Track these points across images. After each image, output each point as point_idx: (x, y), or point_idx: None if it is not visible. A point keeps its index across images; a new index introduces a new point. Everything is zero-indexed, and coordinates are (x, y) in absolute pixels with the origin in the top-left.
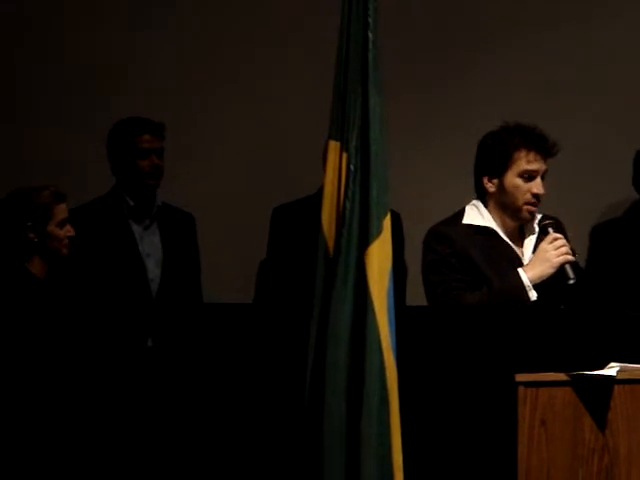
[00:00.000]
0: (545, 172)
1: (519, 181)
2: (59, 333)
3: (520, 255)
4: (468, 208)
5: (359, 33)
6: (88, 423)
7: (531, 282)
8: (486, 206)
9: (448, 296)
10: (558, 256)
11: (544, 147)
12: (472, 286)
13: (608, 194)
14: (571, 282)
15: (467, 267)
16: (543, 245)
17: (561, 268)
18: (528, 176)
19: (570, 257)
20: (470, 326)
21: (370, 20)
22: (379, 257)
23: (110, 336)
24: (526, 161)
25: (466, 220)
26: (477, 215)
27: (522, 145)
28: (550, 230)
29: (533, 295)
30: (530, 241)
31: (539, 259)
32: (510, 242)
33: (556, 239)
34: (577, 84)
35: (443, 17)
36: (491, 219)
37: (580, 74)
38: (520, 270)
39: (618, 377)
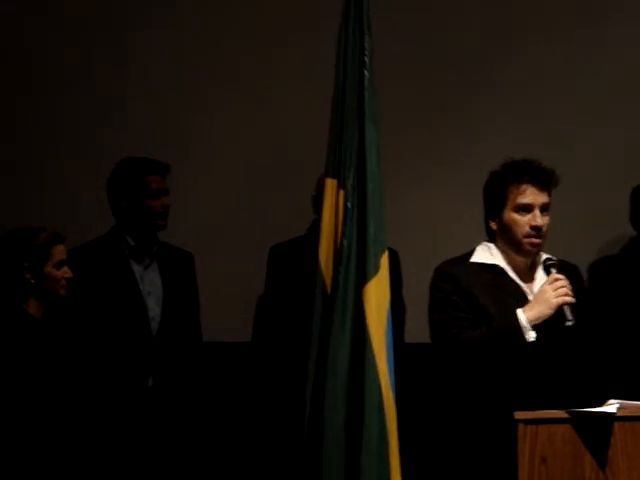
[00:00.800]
0: (546, 204)
1: (516, 215)
2: (57, 373)
3: (528, 292)
4: (479, 248)
5: (355, 71)
6: (89, 462)
7: (529, 322)
8: (496, 246)
9: (449, 334)
10: (557, 297)
11: (539, 179)
12: (475, 324)
13: (605, 230)
14: (569, 324)
15: (470, 305)
16: (543, 286)
17: (560, 309)
18: (524, 209)
19: (569, 298)
20: (469, 364)
21: (366, 58)
22: (377, 295)
23: (111, 375)
24: (519, 195)
25: (474, 259)
26: (487, 254)
27: (515, 180)
28: (553, 270)
29: (531, 336)
30: (540, 281)
31: (538, 299)
32: (518, 280)
33: (557, 279)
34: (575, 120)
35: (443, 51)
36: (500, 257)
37: (579, 110)
38: (519, 311)
39: (618, 414)
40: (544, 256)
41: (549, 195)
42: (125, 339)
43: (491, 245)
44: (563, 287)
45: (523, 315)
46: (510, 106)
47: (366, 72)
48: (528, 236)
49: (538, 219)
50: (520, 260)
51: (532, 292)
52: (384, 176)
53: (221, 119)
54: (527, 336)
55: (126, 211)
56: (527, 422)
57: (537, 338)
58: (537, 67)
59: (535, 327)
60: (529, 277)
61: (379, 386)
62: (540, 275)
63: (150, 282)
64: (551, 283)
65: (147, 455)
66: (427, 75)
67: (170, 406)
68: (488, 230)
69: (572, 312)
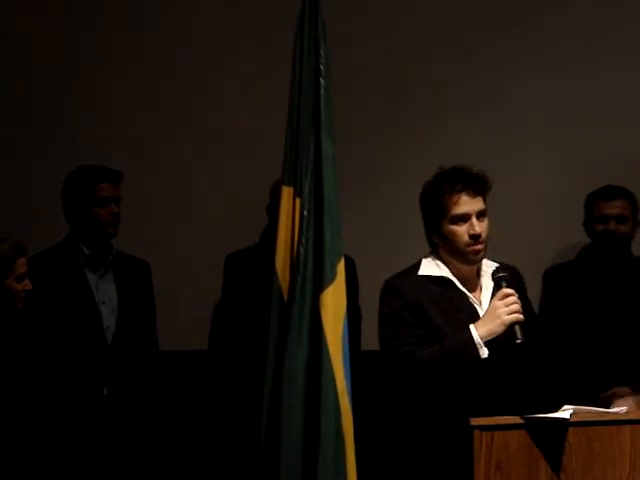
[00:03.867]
0: (482, 210)
1: (454, 227)
2: (12, 383)
3: (476, 303)
4: (424, 261)
5: (311, 79)
6: (44, 472)
7: (482, 339)
8: (440, 256)
9: (400, 352)
10: (509, 314)
11: (471, 186)
12: (425, 339)
13: (559, 237)
14: (518, 341)
15: (420, 319)
16: (495, 302)
17: (510, 327)
18: (461, 219)
19: (520, 316)
20: (422, 381)
21: (322, 67)
22: (333, 302)
23: (65, 385)
24: (453, 206)
25: (422, 271)
26: (433, 266)
27: (447, 191)
28: (503, 284)
29: (484, 352)
30: (487, 290)
31: (490, 316)
32: (466, 291)
33: (507, 295)
34: (529, 128)
35: (395, 61)
36: (446, 269)
37: (534, 117)
38: (472, 327)
39: (572, 419)
40: (490, 263)
41: (484, 200)
42: (80, 349)
43: (436, 257)
44: (515, 304)
45: (475, 332)
46: (464, 116)
47: (322, 80)
48: (469, 245)
49: (476, 227)
50: (466, 269)
51: (479, 301)
52: (340, 183)
53: (176, 126)
54: (481, 353)
55: (76, 220)
56: (483, 428)
57: (489, 354)
58: (494, 79)
59: (485, 343)
60: (475, 286)
61: (336, 394)
62: (486, 282)
63: (105, 291)
64: (502, 299)
65: (102, 464)
66: (381, 83)
67: (125, 415)
68: (430, 240)
69: (522, 330)
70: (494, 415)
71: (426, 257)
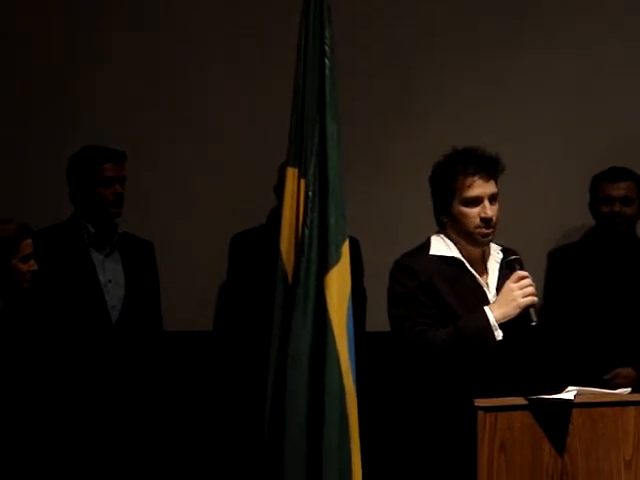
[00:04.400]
0: (494, 194)
1: (465, 209)
2: (17, 365)
3: (484, 285)
4: (434, 239)
5: (316, 60)
6: (50, 448)
7: (497, 321)
8: (448, 236)
9: (413, 332)
10: (524, 296)
11: (485, 170)
12: (437, 319)
13: (565, 219)
14: (534, 324)
15: (433, 299)
16: (510, 284)
17: (525, 309)
18: (473, 202)
19: (535, 299)
20: (436, 362)
21: (327, 47)
22: (338, 283)
23: (70, 364)
24: (466, 188)
25: (433, 251)
26: (443, 246)
27: (461, 173)
28: (517, 267)
29: (499, 335)
30: (493, 273)
31: (505, 299)
32: (475, 272)
33: (522, 278)
34: (532, 110)
35: (399, 42)
36: (456, 250)
37: (537, 99)
38: (486, 309)
39: (576, 400)
40: (494, 246)
41: (496, 183)
42: (85, 328)
43: (444, 236)
44: (530, 286)
45: (491, 314)
46: (469, 98)
47: (327, 61)
48: (479, 227)
49: (488, 210)
50: (474, 251)
51: (487, 284)
52: (344, 164)
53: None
54: (496, 335)
55: (80, 200)
56: (486, 409)
57: (503, 336)
58: (499, 59)
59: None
60: (483, 269)
61: (340, 375)
62: (492, 266)
63: (112, 271)
64: (517, 281)
65: (107, 442)
66: (386, 65)
67: (130, 393)
68: (439, 219)
69: (536, 312)
70: (506, 394)
71: (434, 235)
